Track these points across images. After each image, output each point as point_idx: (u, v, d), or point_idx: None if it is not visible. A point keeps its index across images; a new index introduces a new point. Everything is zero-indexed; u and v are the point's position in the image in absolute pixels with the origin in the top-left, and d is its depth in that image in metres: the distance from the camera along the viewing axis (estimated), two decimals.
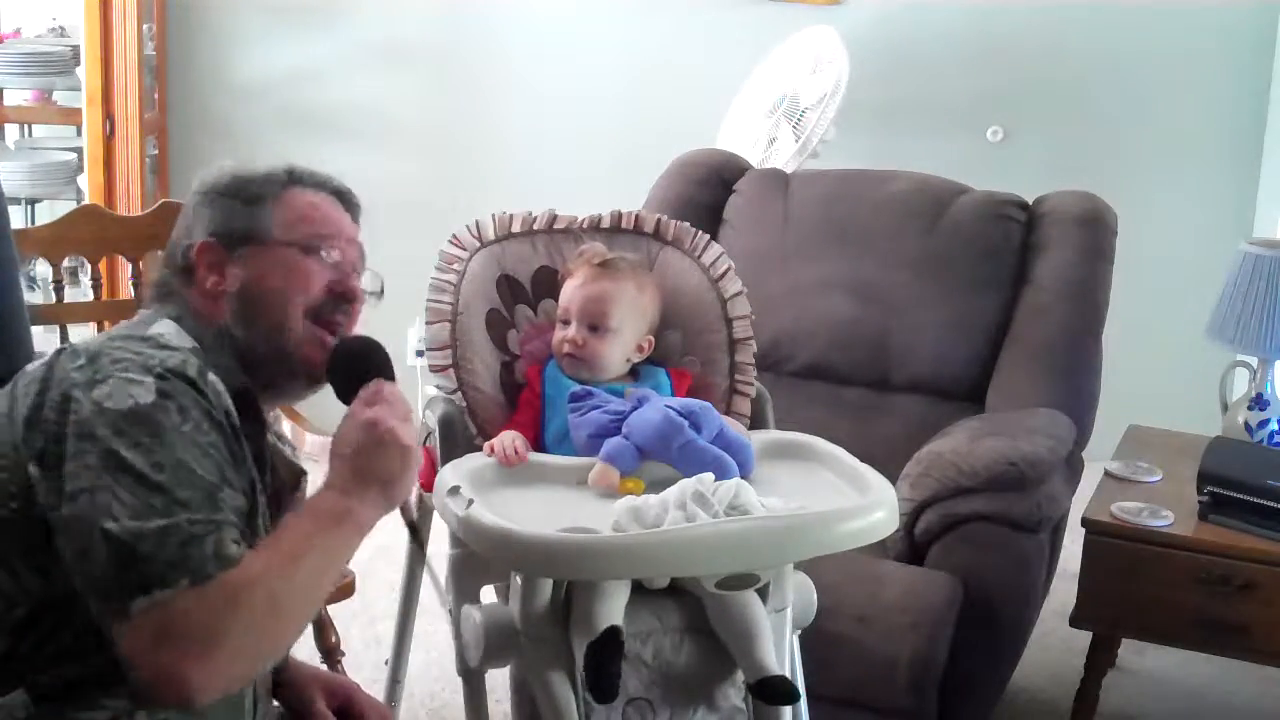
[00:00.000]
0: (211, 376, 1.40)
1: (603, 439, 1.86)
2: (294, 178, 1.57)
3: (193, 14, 4.25)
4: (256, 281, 1.50)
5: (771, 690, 1.81)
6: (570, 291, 2.02)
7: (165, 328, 1.45)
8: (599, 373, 1.99)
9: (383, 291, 1.63)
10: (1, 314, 2.05)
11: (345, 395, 1.50)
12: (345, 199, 1.61)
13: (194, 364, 1.39)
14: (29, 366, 1.42)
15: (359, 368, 1.50)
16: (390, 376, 1.51)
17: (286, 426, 2.47)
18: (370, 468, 1.41)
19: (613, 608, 1.77)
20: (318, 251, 1.53)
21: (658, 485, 1.78)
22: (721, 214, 3.07)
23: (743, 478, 1.79)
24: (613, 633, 1.74)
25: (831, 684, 2.19)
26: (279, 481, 1.57)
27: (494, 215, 2.12)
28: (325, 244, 1.54)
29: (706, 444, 1.83)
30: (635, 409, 1.88)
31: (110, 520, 1.25)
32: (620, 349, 2.01)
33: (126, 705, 1.31)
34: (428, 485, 1.93)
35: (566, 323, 2.01)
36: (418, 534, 1.59)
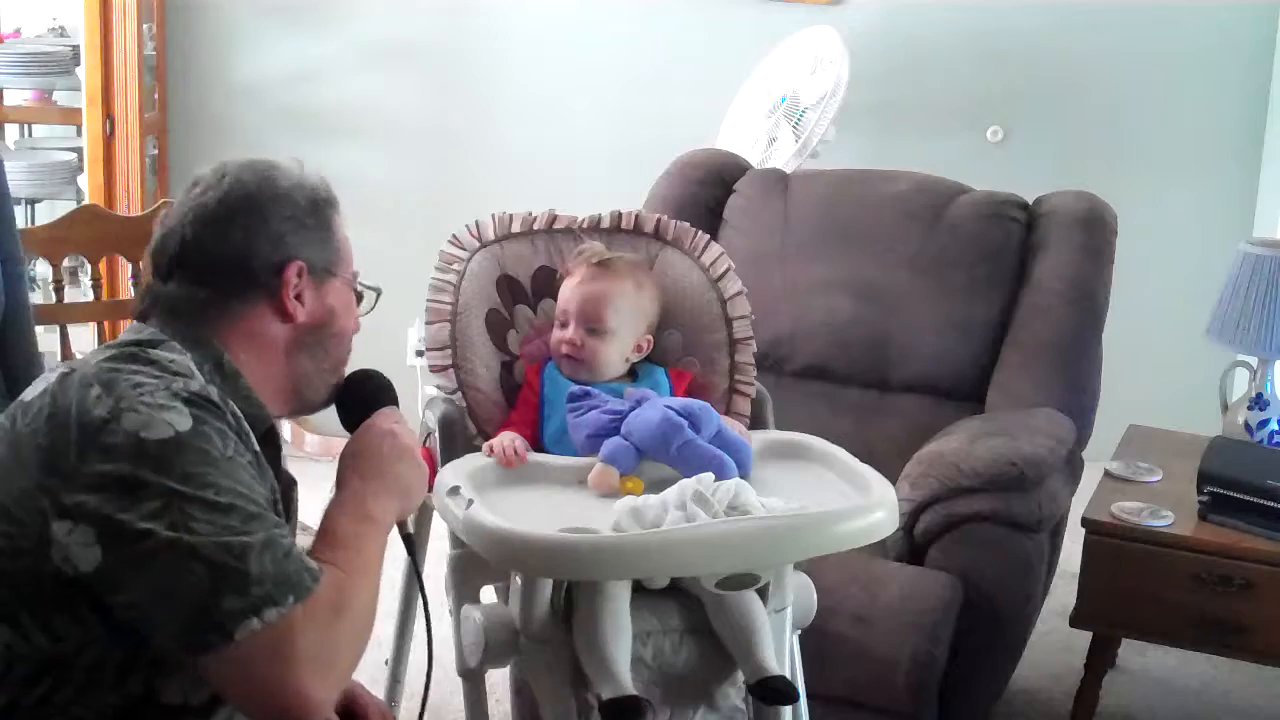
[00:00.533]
0: (231, 403, 1.36)
1: (601, 439, 1.86)
2: (333, 201, 1.52)
3: (193, 14, 4.25)
4: (331, 315, 1.49)
5: (771, 690, 1.81)
6: (568, 291, 2.02)
7: (171, 353, 1.38)
8: (597, 373, 1.99)
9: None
10: (10, 309, 2.06)
11: (353, 422, 1.54)
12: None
13: (211, 389, 1.35)
14: (26, 397, 1.34)
15: (372, 397, 1.56)
16: (397, 404, 1.57)
17: (287, 427, 2.47)
18: (391, 474, 1.45)
19: (623, 659, 1.76)
20: (357, 290, 1.55)
21: (657, 485, 1.78)
22: (721, 214, 3.07)
23: (742, 478, 1.79)
24: (634, 703, 1.73)
25: (831, 684, 2.19)
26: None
27: (494, 215, 2.12)
28: (355, 283, 1.55)
29: (705, 444, 1.83)
30: (634, 409, 1.88)
31: (201, 545, 1.22)
32: (618, 349, 2.00)
33: None
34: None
35: (565, 324, 2.01)
36: (413, 547, 1.59)
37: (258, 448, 1.38)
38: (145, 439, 1.24)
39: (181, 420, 1.27)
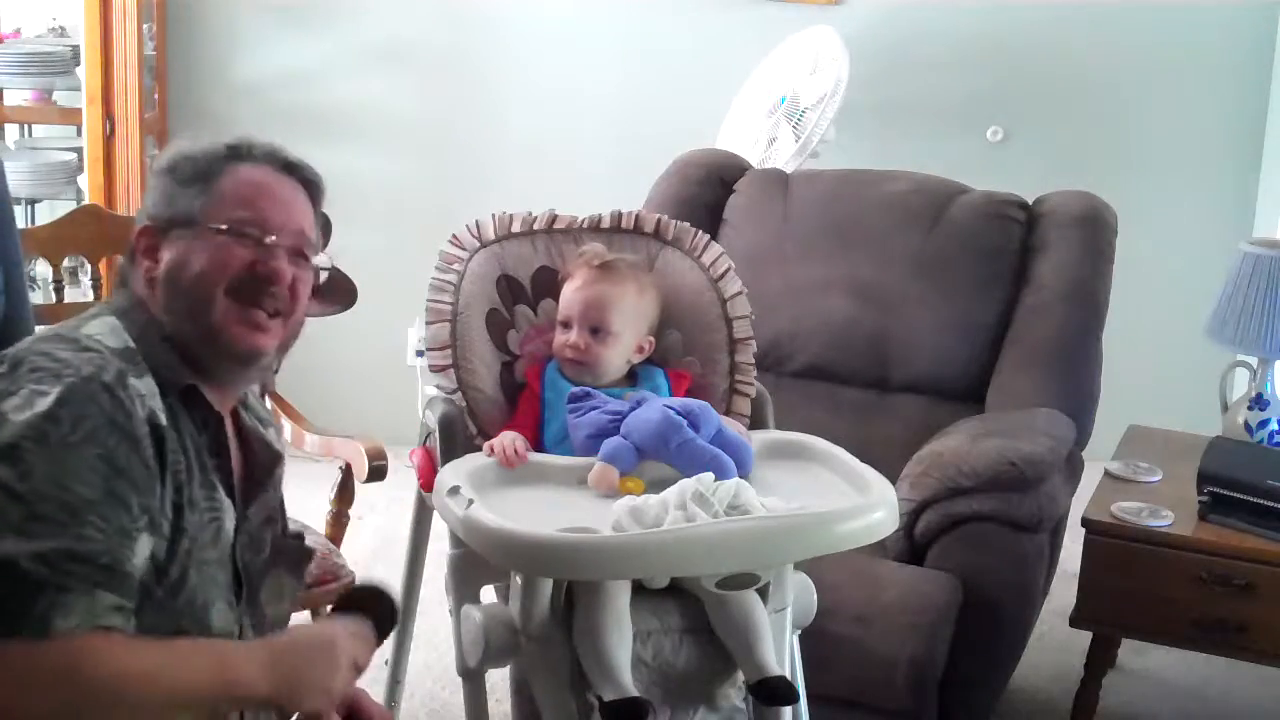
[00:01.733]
0: (134, 381, 1.34)
1: (601, 439, 1.86)
2: (236, 153, 1.48)
3: (193, 14, 4.25)
4: (181, 265, 1.44)
5: (770, 691, 1.81)
6: (570, 294, 2.01)
7: (101, 326, 1.40)
8: (600, 376, 1.99)
9: (326, 273, 1.57)
10: (11, 311, 2.06)
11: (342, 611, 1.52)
12: (295, 172, 1.52)
13: (113, 368, 1.33)
14: None
15: (368, 608, 1.52)
16: (385, 634, 1.53)
17: (287, 426, 2.46)
18: (302, 675, 1.38)
19: (624, 661, 1.76)
20: (244, 234, 1.45)
21: (657, 485, 1.78)
22: (721, 214, 3.07)
23: (741, 477, 1.79)
24: (637, 705, 1.73)
25: (831, 684, 2.19)
26: (257, 464, 1.53)
27: (494, 215, 2.12)
28: (251, 227, 1.46)
29: (705, 443, 1.83)
30: (634, 409, 1.89)
31: None
32: (621, 351, 2.01)
33: None
34: (428, 485, 1.93)
35: (567, 326, 2.00)
36: None
37: (164, 423, 1.35)
38: (10, 419, 1.26)
39: (43, 402, 1.27)
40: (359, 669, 1.45)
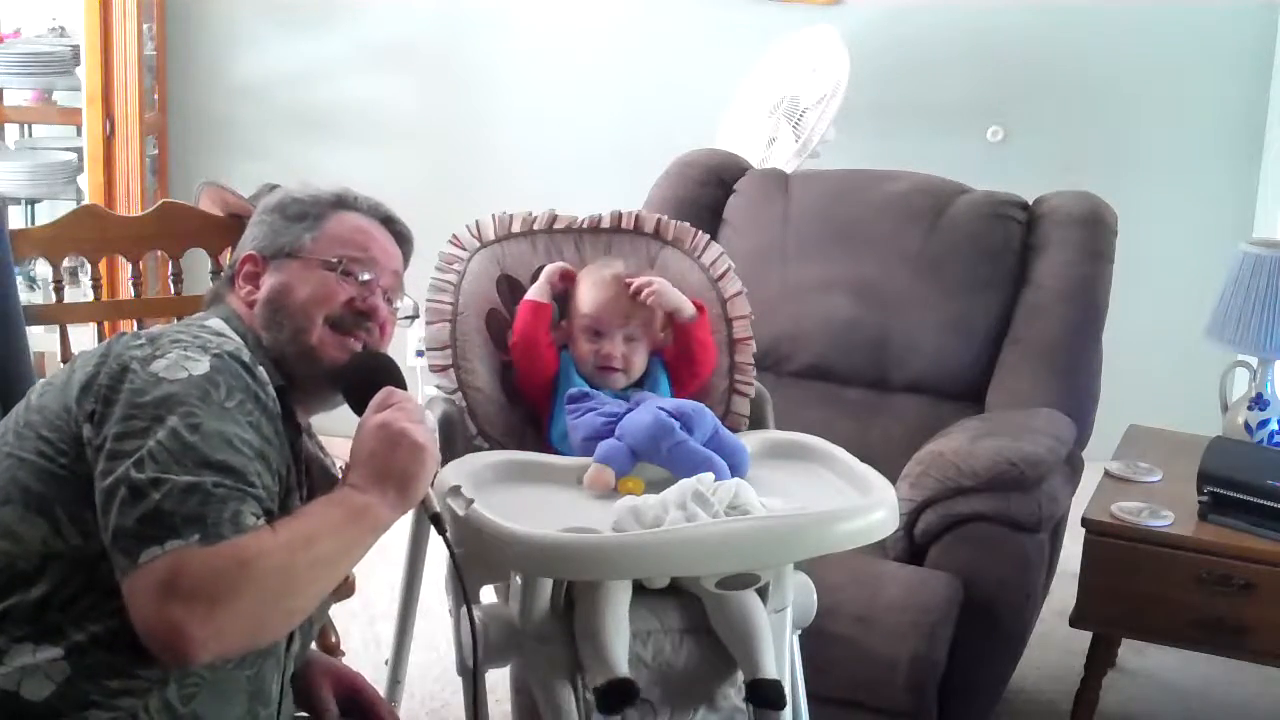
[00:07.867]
0: (260, 367, 1.48)
1: (597, 441, 1.86)
2: (343, 202, 1.70)
3: (193, 14, 4.25)
4: (287, 290, 1.61)
5: (759, 693, 1.81)
6: (601, 303, 2.00)
7: (218, 325, 1.55)
8: (632, 379, 2.00)
9: (416, 315, 1.78)
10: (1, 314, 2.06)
11: (359, 407, 1.56)
12: (392, 226, 1.74)
13: (246, 352, 1.48)
14: (87, 347, 1.48)
15: (369, 380, 1.57)
16: (401, 385, 1.58)
17: None
18: (387, 468, 1.46)
19: (619, 650, 1.76)
20: (345, 271, 1.63)
21: (657, 485, 1.78)
22: (721, 214, 3.07)
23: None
24: (625, 685, 1.73)
25: (831, 684, 2.19)
26: (314, 487, 1.60)
27: (494, 215, 2.12)
28: (356, 265, 1.64)
29: (697, 445, 1.83)
30: (629, 411, 1.89)
31: (139, 473, 1.31)
32: (646, 353, 2.02)
33: (160, 675, 1.35)
34: None
35: (599, 334, 2.00)
36: (441, 526, 1.59)
37: (280, 412, 1.47)
38: (161, 377, 1.38)
39: (198, 367, 1.40)
40: (419, 419, 1.52)
